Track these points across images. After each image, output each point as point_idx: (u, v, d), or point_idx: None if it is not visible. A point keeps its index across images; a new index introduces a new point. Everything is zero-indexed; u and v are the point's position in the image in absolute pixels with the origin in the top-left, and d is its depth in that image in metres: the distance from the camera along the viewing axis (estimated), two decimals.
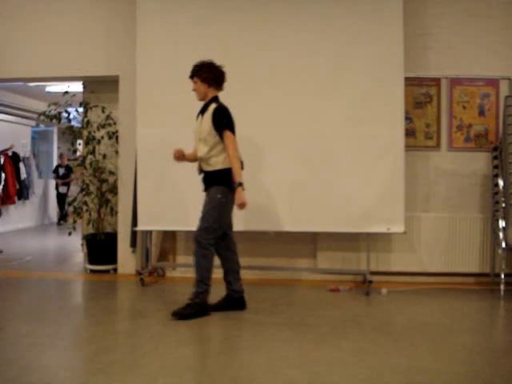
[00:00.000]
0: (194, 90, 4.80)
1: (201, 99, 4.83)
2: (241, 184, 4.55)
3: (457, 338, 4.25)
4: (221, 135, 4.64)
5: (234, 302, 4.96)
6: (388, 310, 5.11)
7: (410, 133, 6.17)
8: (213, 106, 4.72)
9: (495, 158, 6.01)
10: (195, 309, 4.68)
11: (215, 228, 4.71)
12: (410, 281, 6.14)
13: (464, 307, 5.20)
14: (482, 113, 6.23)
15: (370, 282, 5.69)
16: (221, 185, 4.68)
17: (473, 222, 6.14)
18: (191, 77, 4.79)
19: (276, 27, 5.94)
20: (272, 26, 5.95)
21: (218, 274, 4.94)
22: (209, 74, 4.73)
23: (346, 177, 5.82)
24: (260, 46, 5.95)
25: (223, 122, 4.64)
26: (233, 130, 4.67)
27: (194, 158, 4.95)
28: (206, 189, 4.80)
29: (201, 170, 4.85)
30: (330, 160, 5.85)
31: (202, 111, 4.80)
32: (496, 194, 5.93)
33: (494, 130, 6.21)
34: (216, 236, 4.74)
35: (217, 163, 4.71)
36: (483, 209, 6.20)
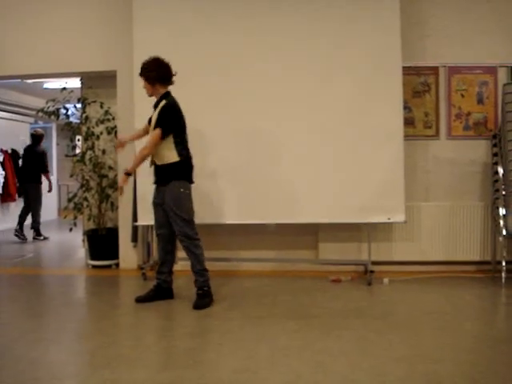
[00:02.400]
0: (144, 87, 4.92)
1: (150, 96, 4.94)
2: (127, 174, 4.86)
3: (459, 326, 4.26)
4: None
5: (164, 292, 5.10)
6: (390, 300, 5.12)
7: (408, 122, 6.16)
8: (163, 102, 4.85)
9: (494, 145, 6.01)
10: (209, 296, 4.87)
11: (191, 218, 4.88)
12: (411, 270, 6.14)
13: (466, 295, 5.21)
14: (480, 101, 6.22)
15: (372, 271, 5.70)
16: (178, 179, 4.84)
17: (473, 210, 6.15)
18: (140, 75, 4.90)
19: (273, 18, 5.91)
20: (268, 17, 5.91)
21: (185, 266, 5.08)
22: (152, 73, 4.83)
23: (345, 167, 5.81)
24: (257, 36, 5.91)
25: (160, 118, 4.79)
26: (167, 131, 4.77)
27: (137, 137, 5.28)
28: (163, 183, 4.89)
29: (153, 163, 4.96)
30: (330, 151, 5.84)
31: (155, 106, 4.92)
32: (496, 181, 5.93)
33: (493, 117, 6.20)
34: (194, 224, 4.91)
35: (169, 157, 4.83)
36: (483, 197, 6.21)
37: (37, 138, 9.88)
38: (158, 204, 4.95)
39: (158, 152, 4.84)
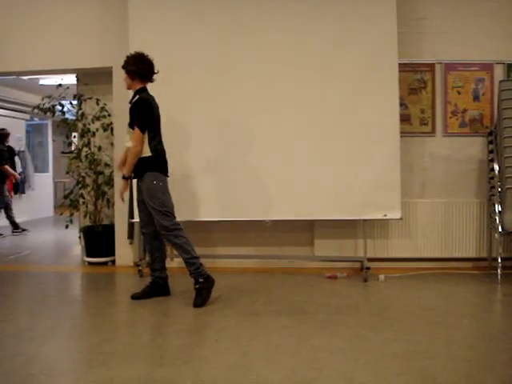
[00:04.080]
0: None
1: (127, 89, 5.02)
2: (124, 178, 4.94)
3: (455, 322, 4.27)
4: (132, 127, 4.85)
5: (159, 288, 5.12)
6: (386, 296, 5.13)
7: (405, 119, 6.16)
8: (136, 98, 4.90)
9: (490, 142, 6.01)
10: (207, 286, 4.84)
11: (166, 210, 4.85)
12: (407, 266, 6.15)
13: (462, 292, 5.23)
14: (476, 98, 6.23)
15: (368, 268, 5.70)
16: (151, 171, 4.85)
17: (469, 207, 6.16)
18: (124, 69, 4.93)
19: (270, 14, 5.91)
20: (266, 13, 5.91)
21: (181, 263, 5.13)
22: (132, 67, 4.86)
23: (341, 164, 5.82)
24: (254, 33, 5.91)
25: (133, 114, 4.84)
26: (142, 126, 4.80)
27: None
28: (137, 176, 4.96)
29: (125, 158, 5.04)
30: (326, 148, 5.84)
31: (130, 102, 4.95)
32: (492, 178, 5.94)
33: (489, 114, 6.21)
34: (173, 215, 4.89)
35: (143, 152, 4.84)
36: (479, 193, 6.22)
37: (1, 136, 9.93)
38: (141, 201, 5.00)
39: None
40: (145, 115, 4.81)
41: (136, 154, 4.81)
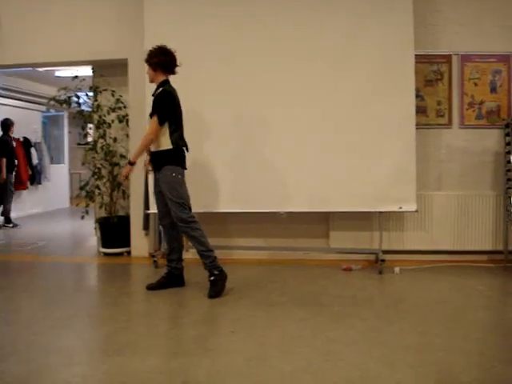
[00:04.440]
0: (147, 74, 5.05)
1: (150, 81, 5.05)
2: (130, 163, 4.98)
3: (470, 315, 4.26)
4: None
5: (175, 279, 5.15)
6: (401, 289, 5.12)
7: (421, 111, 6.12)
8: (159, 90, 4.93)
9: (507, 134, 5.97)
10: (221, 278, 4.85)
11: (183, 202, 4.89)
12: (422, 259, 6.13)
13: (477, 285, 5.20)
14: (493, 89, 6.17)
15: (383, 260, 5.69)
16: (170, 164, 4.88)
17: (485, 200, 6.12)
18: (146, 62, 5.00)
19: (283, 7, 5.88)
20: (279, 6, 5.89)
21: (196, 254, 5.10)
22: (155, 59, 4.91)
23: (357, 156, 5.79)
24: (267, 26, 5.89)
25: (155, 105, 4.86)
26: (162, 118, 4.84)
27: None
28: (157, 169, 4.96)
29: (148, 151, 5.06)
30: (342, 140, 5.82)
31: (154, 94, 4.98)
32: (508, 170, 5.89)
33: (506, 106, 6.16)
34: (189, 208, 4.95)
35: (163, 144, 4.90)
36: (495, 186, 6.17)
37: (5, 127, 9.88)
38: (158, 193, 5.02)
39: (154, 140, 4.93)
40: (166, 107, 4.84)
41: (148, 142, 4.87)
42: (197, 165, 5.77)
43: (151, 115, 4.86)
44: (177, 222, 4.89)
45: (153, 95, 4.96)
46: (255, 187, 5.90)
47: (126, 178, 5.23)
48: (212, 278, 4.84)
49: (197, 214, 6.34)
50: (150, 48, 4.97)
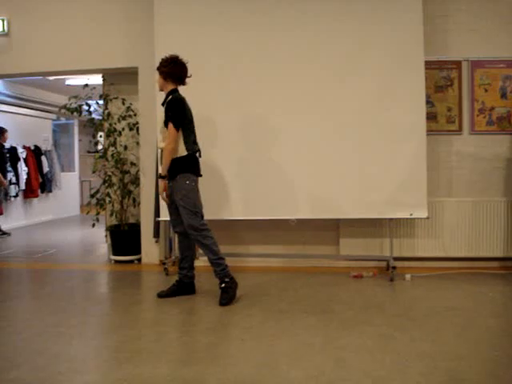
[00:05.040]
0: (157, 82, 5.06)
1: (160, 90, 5.08)
2: (162, 177, 4.92)
3: (482, 322, 4.23)
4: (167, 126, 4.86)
5: (186, 287, 5.14)
6: (412, 296, 5.10)
7: (431, 117, 6.11)
8: (169, 98, 4.94)
9: None
10: (232, 286, 4.88)
11: (197, 211, 4.91)
12: (433, 266, 6.10)
13: (488, 292, 5.17)
14: (504, 95, 6.15)
15: (394, 267, 5.67)
16: (185, 172, 4.89)
17: (496, 206, 6.09)
18: (157, 70, 5.03)
19: (294, 12, 5.89)
20: (291, 11, 5.90)
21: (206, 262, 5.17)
22: (166, 69, 4.94)
23: (368, 163, 5.79)
24: (278, 33, 5.90)
25: (169, 114, 4.85)
26: (177, 123, 4.83)
27: None
28: (171, 177, 4.92)
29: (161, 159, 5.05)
30: (352, 146, 5.81)
31: (163, 103, 4.99)
32: None
33: None
34: (202, 216, 4.96)
35: (178, 151, 4.89)
36: (507, 192, 6.14)
37: None
38: (171, 201, 5.00)
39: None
40: (179, 113, 4.84)
41: (171, 152, 4.83)
42: (205, 171, 5.77)
43: (166, 123, 4.85)
44: (188, 229, 4.89)
45: (162, 104, 4.98)
46: (265, 194, 5.90)
47: (164, 194, 5.01)
48: (223, 286, 4.84)
49: (207, 221, 6.37)
50: (162, 56, 5.00)
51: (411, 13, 5.71)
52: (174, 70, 4.92)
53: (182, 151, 4.87)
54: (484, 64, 6.15)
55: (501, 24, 6.12)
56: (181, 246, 5.18)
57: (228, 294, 4.82)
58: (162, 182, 4.94)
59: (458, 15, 6.16)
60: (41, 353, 3.59)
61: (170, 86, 4.96)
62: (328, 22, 5.85)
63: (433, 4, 6.03)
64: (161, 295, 5.05)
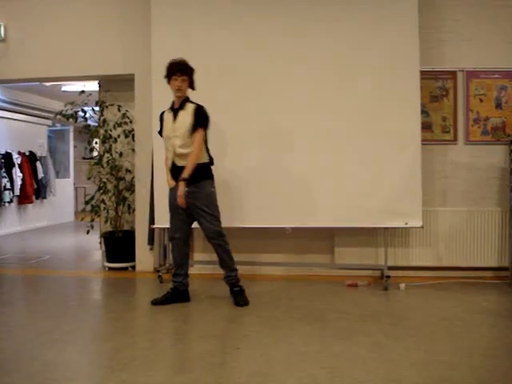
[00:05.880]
0: (179, 86, 4.91)
1: (180, 96, 4.95)
2: (185, 180, 4.85)
3: (476, 332, 4.23)
4: (193, 131, 4.89)
5: (181, 294, 5.12)
6: (406, 305, 5.10)
7: (426, 126, 6.12)
8: (192, 104, 4.95)
9: None
10: (243, 290, 5.07)
11: (219, 216, 5.05)
12: (428, 275, 6.10)
13: (482, 301, 5.17)
14: (498, 105, 6.18)
15: (388, 276, 5.67)
16: (208, 178, 5.00)
17: (491, 216, 6.10)
18: (182, 73, 4.89)
19: (291, 17, 5.91)
20: (287, 16, 5.92)
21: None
22: (192, 75, 4.96)
23: (362, 172, 5.80)
24: (274, 37, 5.91)
25: (199, 118, 4.90)
26: (206, 129, 4.99)
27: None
28: (191, 183, 4.89)
29: (174, 165, 4.99)
30: (347, 155, 5.82)
31: (177, 109, 4.96)
32: None
33: None
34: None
35: (202, 158, 4.96)
36: (501, 202, 6.15)
37: None
38: (177, 206, 4.95)
39: (188, 152, 4.88)
40: (207, 121, 4.94)
41: (198, 157, 4.89)
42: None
43: (193, 129, 4.85)
44: (211, 235, 4.97)
45: (177, 109, 4.95)
46: (260, 202, 5.90)
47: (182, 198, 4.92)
48: (237, 289, 4.99)
49: (201, 229, 6.36)
50: (181, 60, 4.93)
51: (407, 23, 5.73)
52: (193, 76, 4.97)
53: (205, 158, 4.95)
54: (479, 74, 6.18)
55: (496, 34, 6.15)
56: (179, 253, 5.14)
57: (242, 296, 4.95)
58: (183, 186, 4.85)
59: (454, 25, 6.18)
60: (34, 359, 3.58)
61: (187, 92, 4.97)
62: (325, 30, 5.86)
63: (428, 14, 6.04)
64: (155, 303, 5.03)
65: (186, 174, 4.85)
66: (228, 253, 5.05)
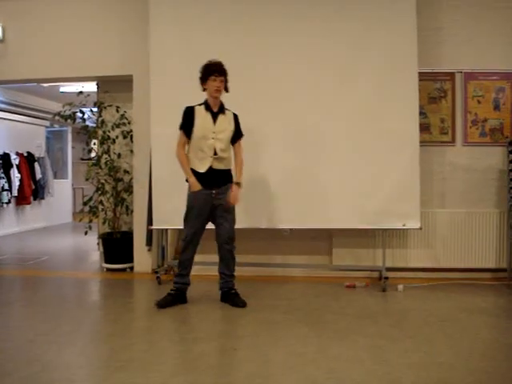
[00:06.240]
0: (218, 87, 4.87)
1: (218, 98, 4.94)
2: (238, 184, 5.02)
3: (474, 333, 4.23)
4: (235, 138, 5.06)
5: (181, 296, 5.09)
6: (404, 306, 5.10)
7: (424, 128, 6.13)
8: (229, 111, 5.05)
9: (511, 152, 5.96)
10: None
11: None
12: (426, 277, 6.11)
13: (481, 302, 5.18)
14: (497, 107, 6.18)
15: (386, 278, 5.67)
16: (231, 181, 5.03)
17: (489, 217, 6.11)
18: (221, 74, 4.88)
19: (289, 17, 5.91)
20: (285, 17, 5.92)
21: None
22: (227, 77, 4.95)
23: (361, 173, 5.80)
24: (272, 38, 5.90)
25: (238, 127, 5.08)
26: None
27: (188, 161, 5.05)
28: (221, 185, 4.94)
29: (210, 168, 4.92)
30: (346, 156, 5.83)
31: (216, 112, 4.95)
32: None
33: (510, 124, 6.16)
34: None
35: (231, 163, 5.05)
36: (499, 203, 6.16)
37: None
38: (203, 209, 4.95)
39: (227, 157, 5.00)
40: None
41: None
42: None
43: (238, 137, 5.05)
44: (227, 239, 5.04)
45: (217, 113, 4.96)
46: (258, 204, 5.90)
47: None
48: (233, 292, 5.06)
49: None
50: (217, 61, 4.93)
51: (406, 24, 5.74)
52: None
53: (232, 163, 5.07)
54: (477, 76, 6.19)
55: (494, 36, 6.16)
56: (191, 254, 5.07)
57: (240, 298, 5.01)
58: (239, 190, 5.00)
59: (452, 27, 6.19)
60: (32, 360, 3.57)
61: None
62: (323, 31, 5.87)
63: (427, 15, 6.05)
64: (161, 306, 4.92)
65: (241, 179, 5.02)
66: (234, 259, 5.11)
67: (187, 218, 5.02)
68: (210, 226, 5.51)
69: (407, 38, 5.73)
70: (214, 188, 4.92)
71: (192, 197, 4.96)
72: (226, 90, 4.96)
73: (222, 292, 5.13)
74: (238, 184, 5.00)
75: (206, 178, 4.91)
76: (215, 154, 4.87)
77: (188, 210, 5.00)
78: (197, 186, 4.89)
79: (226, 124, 4.95)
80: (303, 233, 6.18)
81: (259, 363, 3.54)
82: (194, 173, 4.92)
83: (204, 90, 4.94)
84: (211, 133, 4.88)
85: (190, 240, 5.02)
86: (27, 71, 6.86)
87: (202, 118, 4.92)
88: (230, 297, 5.02)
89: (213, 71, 4.85)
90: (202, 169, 4.91)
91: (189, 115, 4.95)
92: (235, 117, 5.03)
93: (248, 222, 5.88)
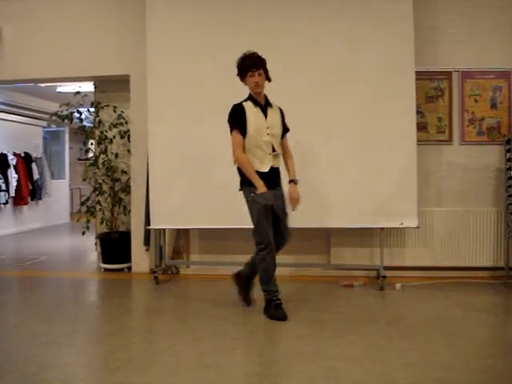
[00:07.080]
0: (257, 82, 4.53)
1: (261, 92, 4.61)
2: (294, 181, 4.74)
3: (472, 332, 4.23)
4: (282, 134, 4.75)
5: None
6: (402, 305, 5.11)
7: (421, 127, 6.13)
8: (276, 105, 4.74)
9: (508, 150, 5.97)
10: None
11: None
12: (423, 275, 6.11)
13: (478, 301, 5.18)
14: (494, 106, 6.19)
15: (384, 277, 5.67)
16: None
17: (486, 216, 6.11)
18: (258, 67, 4.53)
19: (288, 17, 5.92)
20: (284, 16, 5.93)
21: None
22: (266, 67, 4.61)
23: (358, 172, 5.80)
24: (269, 38, 5.87)
25: (284, 121, 4.78)
26: None
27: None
28: (277, 185, 4.70)
29: (272, 168, 4.64)
30: (342, 155, 5.82)
31: (264, 105, 4.65)
32: (509, 187, 5.89)
33: (507, 122, 6.17)
34: None
35: (280, 161, 4.78)
36: (496, 202, 6.17)
37: None
38: (271, 210, 4.58)
39: (280, 154, 4.76)
40: None
41: None
42: (195, 182, 5.77)
43: (287, 130, 4.80)
44: (288, 238, 4.78)
45: (265, 107, 4.63)
46: None
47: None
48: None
49: (196, 230, 6.37)
50: (254, 53, 4.59)
51: (402, 23, 5.74)
52: None
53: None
54: (474, 75, 6.19)
55: (491, 35, 6.17)
56: (275, 260, 4.69)
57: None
58: (296, 188, 4.71)
59: (449, 26, 6.19)
60: (30, 361, 3.57)
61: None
62: (320, 31, 5.87)
63: (424, 15, 6.06)
64: (284, 316, 4.55)
65: (294, 175, 4.74)
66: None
67: (259, 225, 4.56)
68: (210, 225, 5.53)
69: (404, 37, 5.73)
70: (274, 188, 4.62)
71: (259, 198, 4.49)
72: (268, 79, 4.62)
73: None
74: (295, 181, 4.71)
75: (268, 177, 4.57)
76: (273, 150, 4.60)
77: (259, 214, 4.53)
78: (262, 188, 4.47)
79: (275, 118, 4.65)
80: (301, 232, 6.17)
81: (257, 363, 3.56)
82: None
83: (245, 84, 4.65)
84: (265, 128, 4.55)
85: (267, 244, 4.57)
86: (24, 71, 6.84)
87: (253, 113, 4.55)
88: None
89: (248, 67, 4.51)
90: (265, 168, 4.58)
91: (241, 112, 4.55)
92: (281, 110, 4.74)
93: (247, 221, 5.87)
